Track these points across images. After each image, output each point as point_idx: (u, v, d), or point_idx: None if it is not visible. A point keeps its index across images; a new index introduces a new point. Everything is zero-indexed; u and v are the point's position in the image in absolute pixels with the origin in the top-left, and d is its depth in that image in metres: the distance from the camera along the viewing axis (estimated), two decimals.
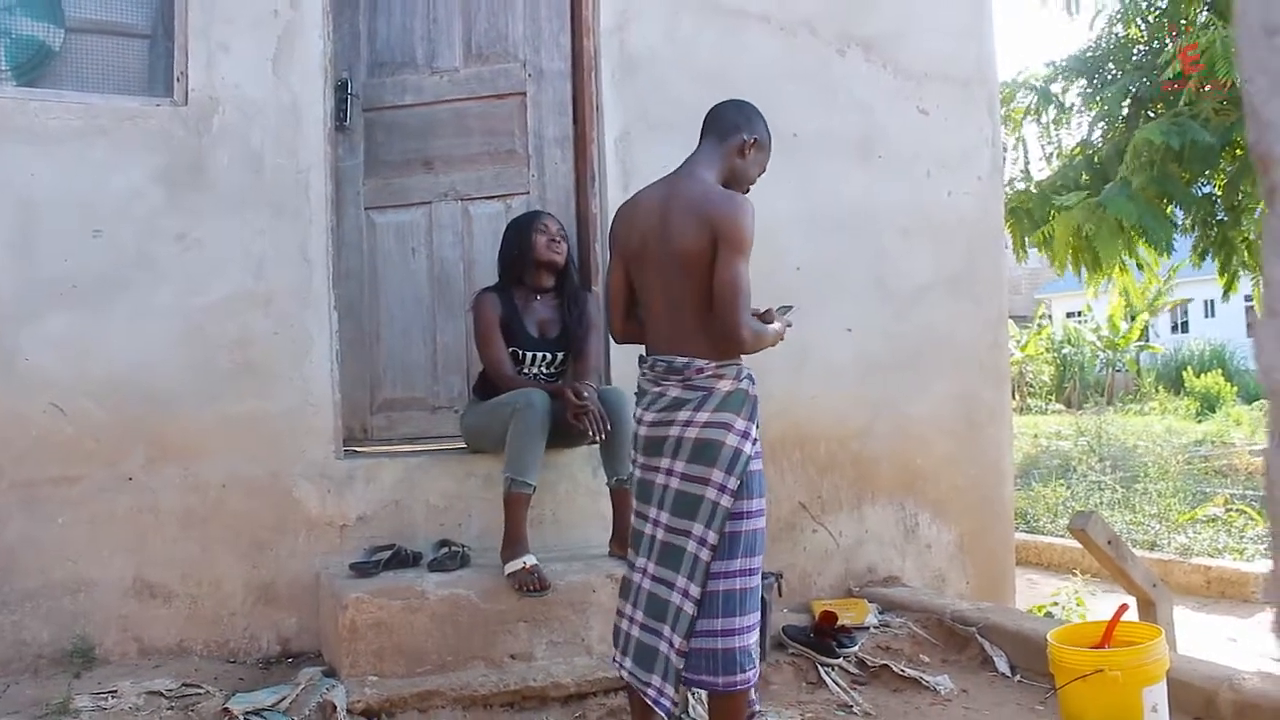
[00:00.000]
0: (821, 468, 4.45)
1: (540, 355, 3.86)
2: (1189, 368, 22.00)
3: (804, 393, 4.42)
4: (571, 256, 3.96)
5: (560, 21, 4.28)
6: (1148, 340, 25.10)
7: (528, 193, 4.23)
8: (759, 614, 2.77)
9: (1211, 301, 27.23)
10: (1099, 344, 23.11)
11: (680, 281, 2.73)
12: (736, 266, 2.65)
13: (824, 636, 3.76)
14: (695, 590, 2.67)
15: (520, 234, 3.85)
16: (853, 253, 4.56)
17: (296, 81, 3.81)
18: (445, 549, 3.70)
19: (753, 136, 2.90)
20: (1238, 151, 5.62)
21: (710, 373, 2.71)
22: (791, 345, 4.31)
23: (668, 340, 2.78)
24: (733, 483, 2.65)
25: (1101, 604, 5.21)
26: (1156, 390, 20.22)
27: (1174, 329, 31.25)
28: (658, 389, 2.78)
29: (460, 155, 4.25)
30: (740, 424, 2.70)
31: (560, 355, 3.89)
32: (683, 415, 2.72)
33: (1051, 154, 6.62)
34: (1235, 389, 19.35)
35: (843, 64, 4.55)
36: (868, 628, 3.95)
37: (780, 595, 3.89)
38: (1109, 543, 4.42)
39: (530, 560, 3.44)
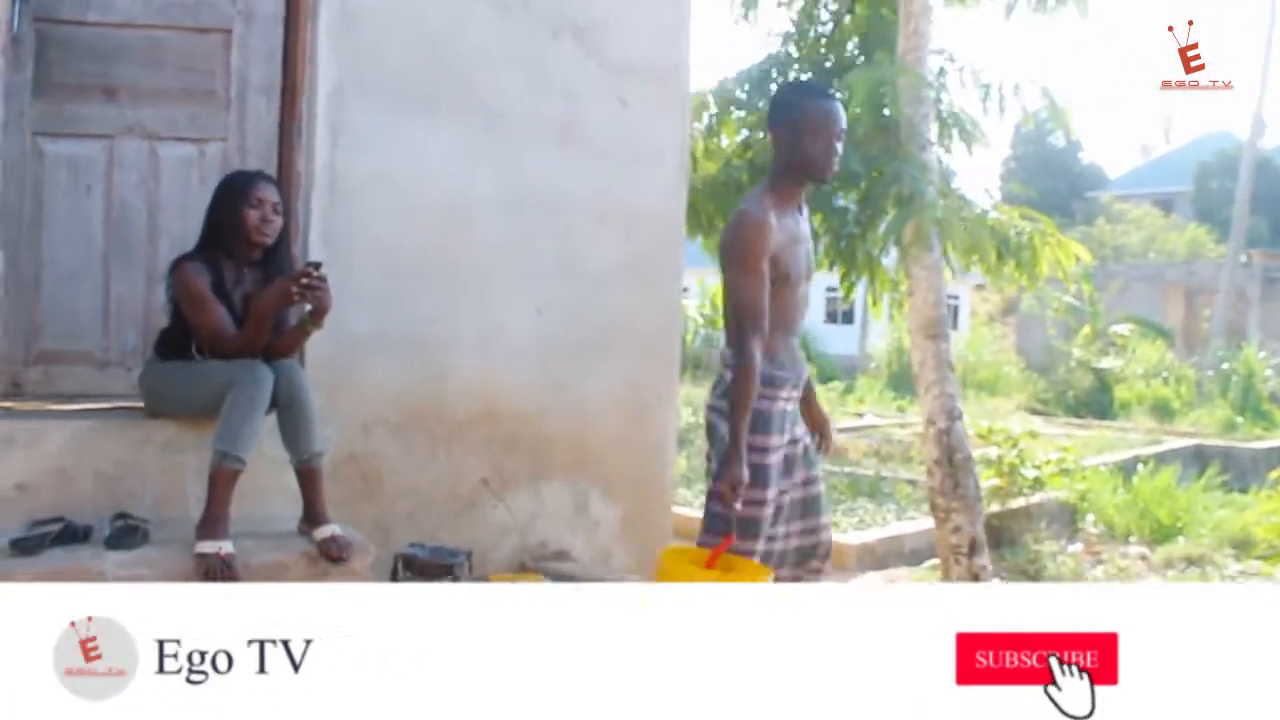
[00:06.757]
0: (505, 446, 4.51)
1: None
2: None
3: (492, 371, 4.46)
4: (288, 231, 3.61)
5: None
6: None
7: (226, 139, 3.92)
8: None
9: None
10: (701, 321, 24.54)
11: None
12: (730, 281, 2.97)
13: None
14: None
15: (231, 202, 3.42)
16: (546, 235, 4.62)
17: None
18: (122, 522, 3.39)
19: (775, 129, 3.09)
20: (875, 174, 6.38)
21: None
22: (482, 325, 4.39)
23: None
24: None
25: None
26: None
27: None
28: None
29: (150, 88, 3.86)
30: (723, 404, 3.08)
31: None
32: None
33: (714, 153, 7.11)
34: (815, 370, 21.56)
35: (556, 48, 4.59)
36: None
37: (470, 572, 3.96)
38: None
39: (227, 547, 3.22)
